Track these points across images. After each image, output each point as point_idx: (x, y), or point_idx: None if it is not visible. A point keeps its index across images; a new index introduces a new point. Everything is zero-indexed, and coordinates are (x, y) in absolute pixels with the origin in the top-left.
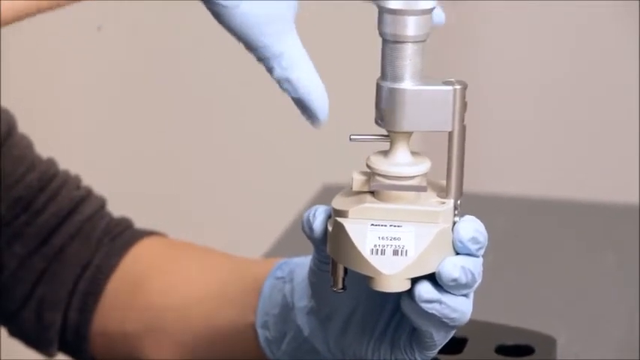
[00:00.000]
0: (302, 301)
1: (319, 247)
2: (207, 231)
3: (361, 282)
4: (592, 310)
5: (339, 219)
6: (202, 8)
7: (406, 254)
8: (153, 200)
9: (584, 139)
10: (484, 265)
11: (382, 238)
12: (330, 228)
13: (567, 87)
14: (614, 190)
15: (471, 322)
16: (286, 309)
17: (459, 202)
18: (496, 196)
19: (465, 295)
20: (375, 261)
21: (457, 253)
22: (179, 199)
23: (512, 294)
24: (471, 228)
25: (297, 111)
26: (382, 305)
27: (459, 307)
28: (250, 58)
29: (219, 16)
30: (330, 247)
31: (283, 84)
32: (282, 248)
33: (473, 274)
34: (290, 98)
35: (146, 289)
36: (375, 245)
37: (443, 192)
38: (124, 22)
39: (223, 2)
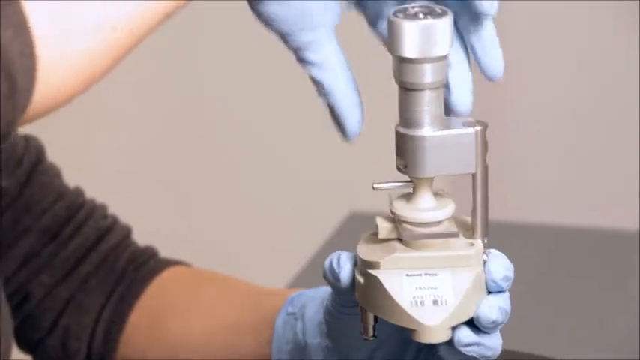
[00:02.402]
0: (315, 338)
1: (343, 295)
2: (233, 258)
3: (383, 324)
4: (618, 339)
5: (371, 271)
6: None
7: (446, 303)
8: (179, 228)
9: (602, 161)
10: (513, 294)
11: (419, 288)
12: (360, 279)
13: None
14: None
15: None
16: (299, 346)
17: (485, 240)
18: (525, 224)
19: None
20: (416, 313)
21: (489, 291)
22: (205, 226)
23: (538, 322)
24: (503, 266)
25: (324, 138)
26: (405, 347)
27: (494, 345)
28: (276, 80)
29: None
30: (362, 298)
31: (318, 86)
32: (308, 276)
33: (507, 311)
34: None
35: (168, 319)
36: (414, 297)
37: (468, 229)
38: None
39: None
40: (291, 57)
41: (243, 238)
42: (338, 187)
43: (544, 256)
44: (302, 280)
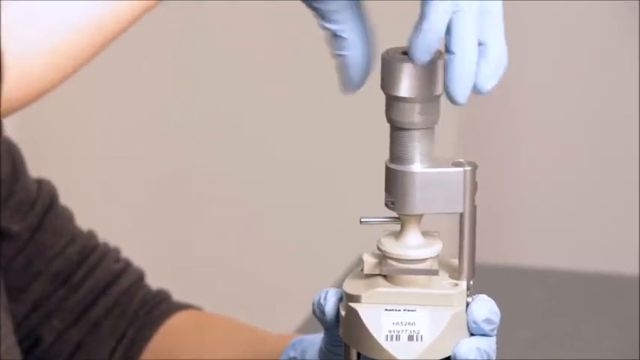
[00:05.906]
0: None
1: (330, 330)
2: (240, 301)
3: None
4: None
5: (352, 304)
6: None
7: (421, 339)
8: (190, 271)
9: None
10: (519, 339)
11: (397, 323)
12: (342, 312)
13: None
14: None
15: None
16: None
17: (471, 282)
18: (527, 268)
19: None
20: (390, 347)
21: (471, 334)
22: (215, 269)
23: None
24: (486, 308)
25: (334, 181)
26: None
27: None
28: (290, 122)
29: None
30: (343, 332)
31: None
32: (315, 321)
33: (488, 354)
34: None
35: None
36: (390, 331)
37: (455, 272)
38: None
39: None
40: (305, 100)
41: (251, 281)
42: (347, 231)
43: (546, 300)
44: (310, 324)
